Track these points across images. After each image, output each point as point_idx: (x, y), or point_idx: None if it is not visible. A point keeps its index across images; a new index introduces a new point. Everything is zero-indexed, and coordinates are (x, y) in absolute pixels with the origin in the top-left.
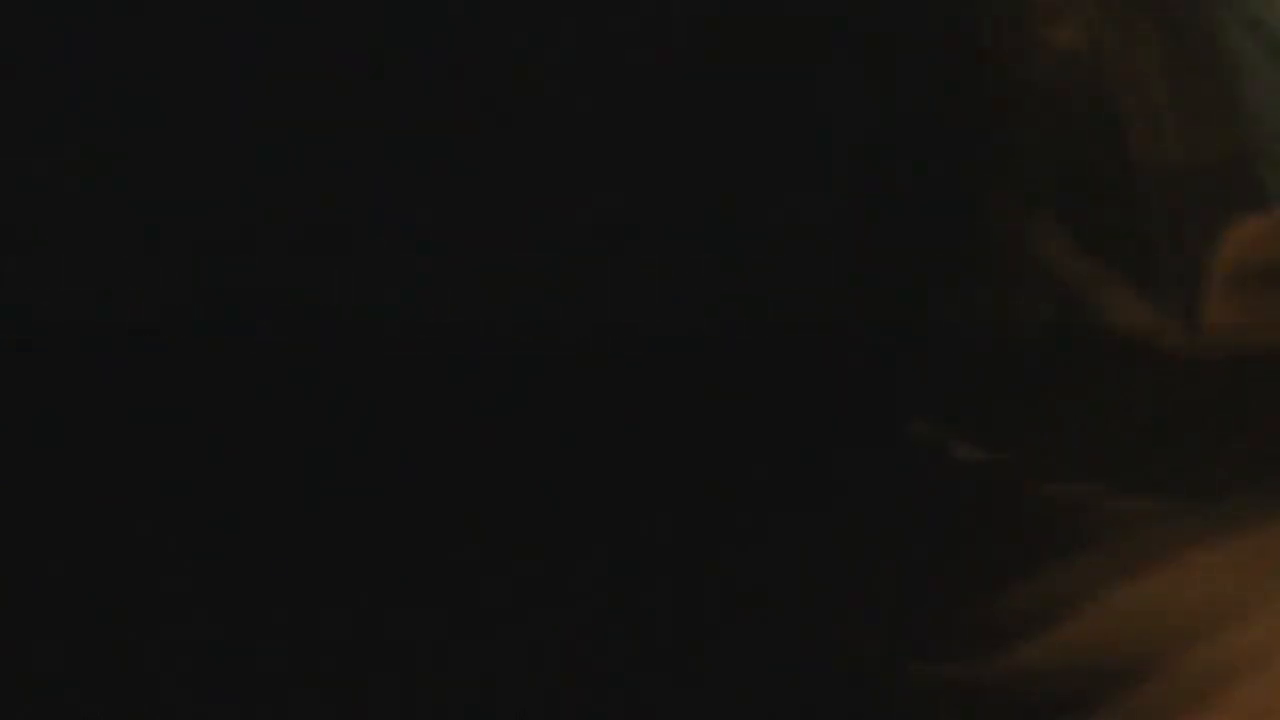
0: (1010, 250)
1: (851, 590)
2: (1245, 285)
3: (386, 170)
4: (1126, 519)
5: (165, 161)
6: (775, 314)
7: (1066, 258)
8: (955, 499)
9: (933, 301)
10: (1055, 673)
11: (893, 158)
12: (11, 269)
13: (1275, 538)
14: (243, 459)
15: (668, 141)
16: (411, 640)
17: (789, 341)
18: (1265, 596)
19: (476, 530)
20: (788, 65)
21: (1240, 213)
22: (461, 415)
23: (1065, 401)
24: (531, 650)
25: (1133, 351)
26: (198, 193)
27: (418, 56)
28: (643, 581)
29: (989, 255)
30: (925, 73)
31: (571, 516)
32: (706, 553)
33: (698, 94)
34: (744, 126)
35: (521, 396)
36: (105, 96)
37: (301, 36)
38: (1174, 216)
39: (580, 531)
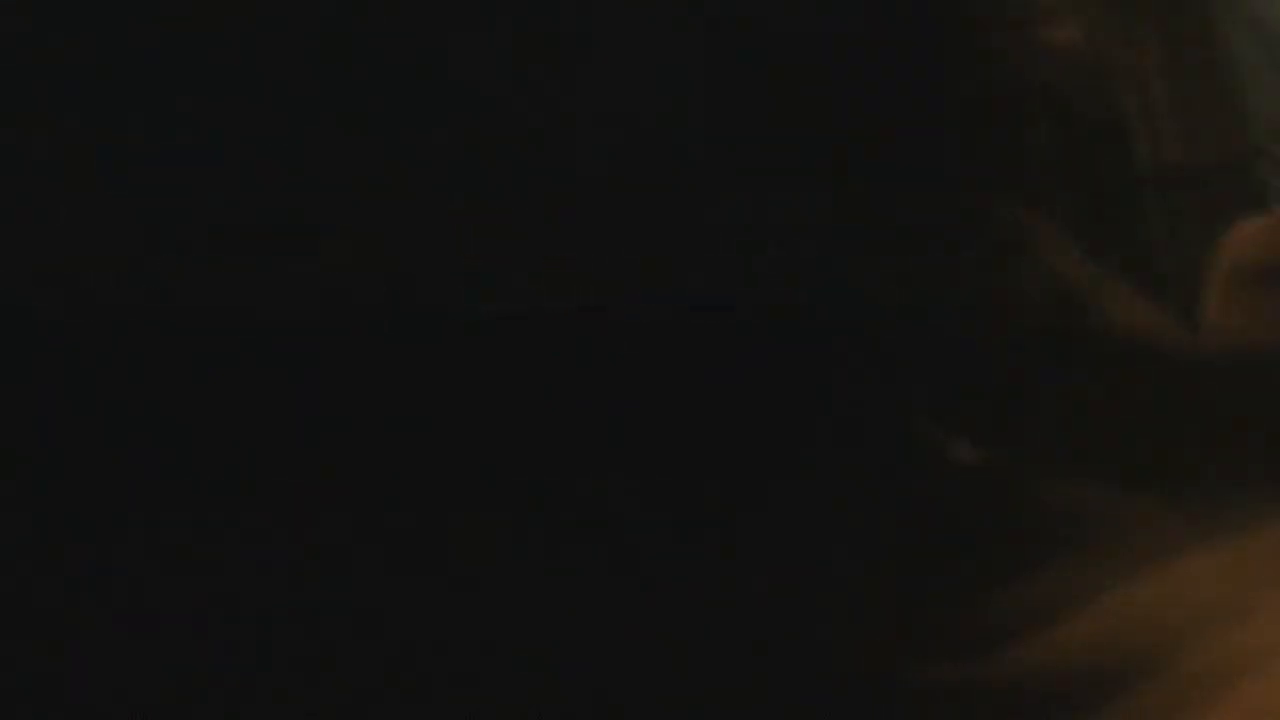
0: (1011, 250)
1: (851, 589)
2: (1245, 285)
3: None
4: (1126, 519)
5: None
6: (776, 307)
7: (1067, 258)
8: (955, 499)
9: (933, 299)
10: (1055, 673)
11: (896, 158)
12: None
13: (1275, 539)
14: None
15: (668, 128)
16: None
17: (790, 337)
18: (1265, 597)
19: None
20: (789, 56)
21: (1240, 213)
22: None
23: (1065, 401)
24: (527, 645)
25: (1133, 351)
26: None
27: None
28: (640, 578)
29: (990, 255)
30: (927, 71)
31: (566, 507)
32: (704, 549)
33: (702, 86)
34: (753, 119)
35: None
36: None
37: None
38: (1174, 216)
39: (578, 525)
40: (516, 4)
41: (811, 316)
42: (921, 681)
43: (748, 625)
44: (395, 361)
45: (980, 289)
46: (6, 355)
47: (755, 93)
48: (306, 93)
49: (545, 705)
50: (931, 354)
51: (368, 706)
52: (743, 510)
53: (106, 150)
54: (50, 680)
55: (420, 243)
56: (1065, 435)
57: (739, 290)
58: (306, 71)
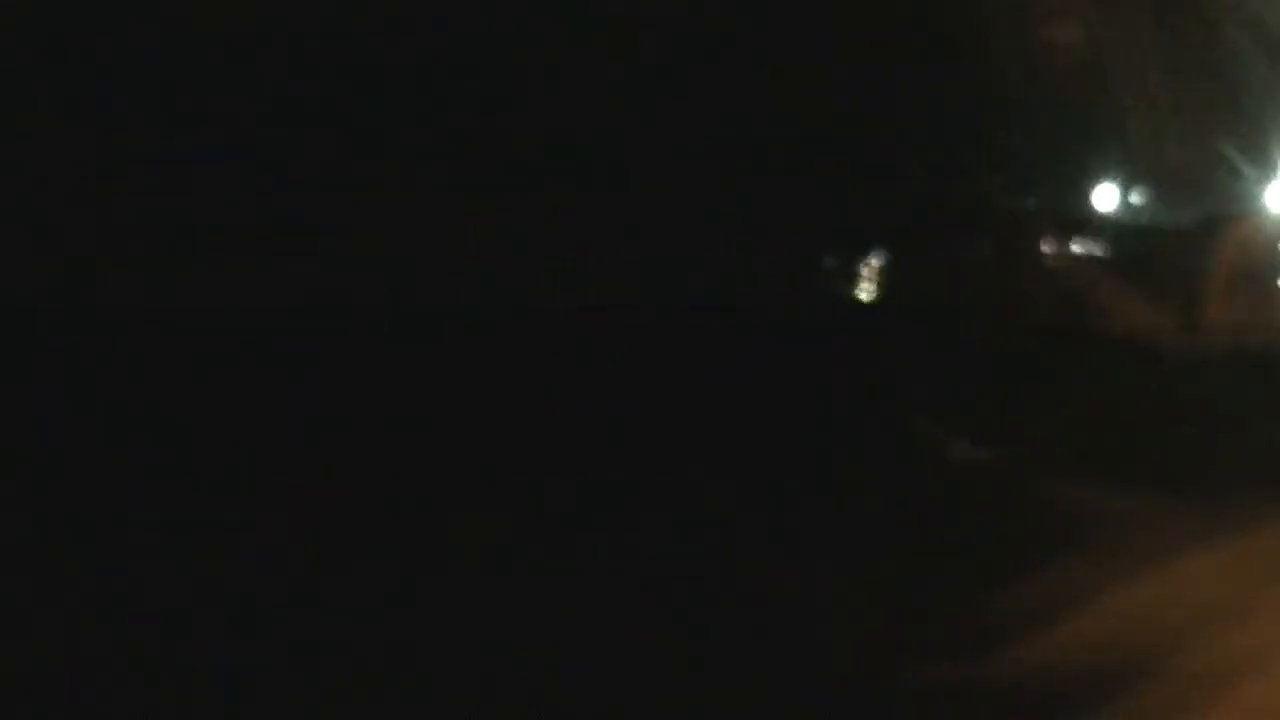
0: (1011, 250)
1: (851, 589)
2: (1242, 285)
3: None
4: (1126, 519)
5: None
6: (776, 307)
7: (1066, 257)
8: (955, 498)
9: (934, 299)
10: (1055, 673)
11: (895, 158)
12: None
13: (1275, 539)
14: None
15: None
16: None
17: (790, 337)
18: (1265, 597)
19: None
20: (789, 56)
21: (1239, 213)
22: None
23: (1065, 401)
24: (527, 644)
25: (1133, 351)
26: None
27: None
28: (640, 578)
29: (990, 255)
30: (927, 71)
31: (569, 514)
32: (704, 549)
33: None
34: (752, 119)
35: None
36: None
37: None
38: (1173, 216)
39: (578, 525)
40: (516, 4)
41: (811, 316)
42: (921, 681)
43: (747, 625)
44: (395, 361)
45: (980, 289)
46: (6, 355)
47: (755, 92)
48: (306, 93)
49: (545, 705)
50: (932, 354)
51: (368, 706)
52: (743, 510)
53: (106, 150)
54: (50, 680)
55: (420, 243)
56: (1065, 435)
57: (739, 290)
58: (306, 71)
